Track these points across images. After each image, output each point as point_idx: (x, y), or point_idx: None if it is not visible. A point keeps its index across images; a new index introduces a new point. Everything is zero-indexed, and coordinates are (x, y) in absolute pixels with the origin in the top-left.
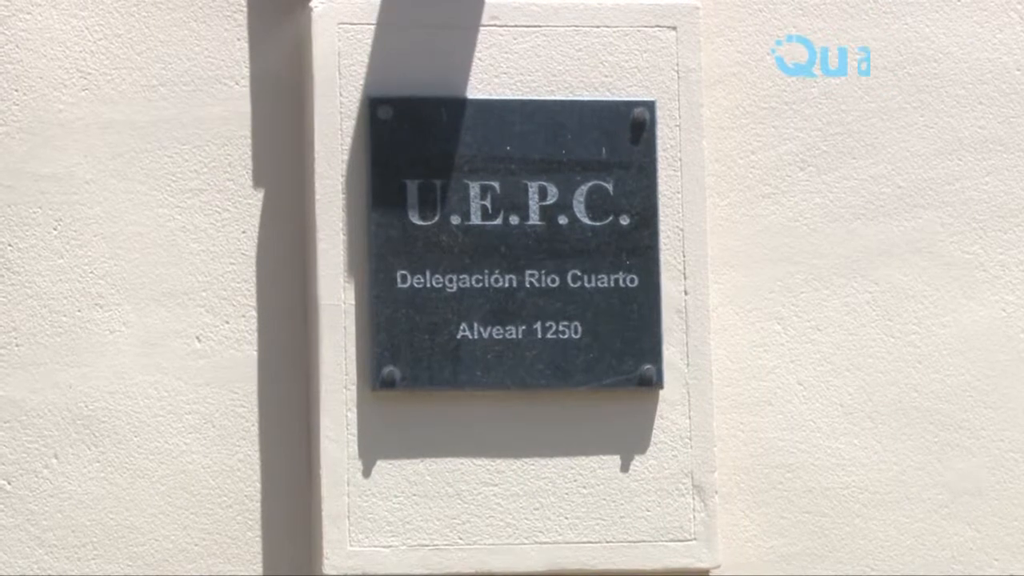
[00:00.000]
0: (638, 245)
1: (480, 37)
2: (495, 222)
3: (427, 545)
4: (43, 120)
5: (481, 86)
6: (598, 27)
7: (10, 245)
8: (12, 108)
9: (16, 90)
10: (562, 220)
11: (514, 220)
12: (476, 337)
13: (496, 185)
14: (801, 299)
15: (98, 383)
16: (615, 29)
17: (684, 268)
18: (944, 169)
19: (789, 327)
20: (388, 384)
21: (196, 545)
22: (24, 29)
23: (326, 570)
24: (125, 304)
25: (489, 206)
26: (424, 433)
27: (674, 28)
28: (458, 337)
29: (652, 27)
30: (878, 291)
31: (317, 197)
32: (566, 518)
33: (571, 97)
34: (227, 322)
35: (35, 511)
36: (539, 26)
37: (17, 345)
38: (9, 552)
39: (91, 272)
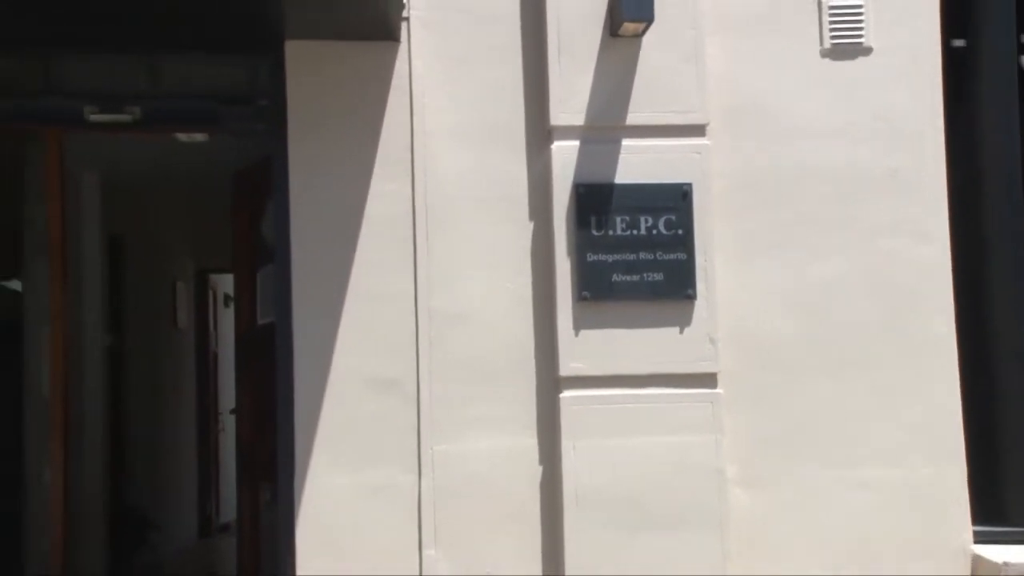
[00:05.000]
0: (685, 242)
1: (620, 157)
2: (627, 232)
3: (602, 363)
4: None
5: (620, 176)
6: (668, 150)
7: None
8: None
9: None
10: (654, 231)
11: (634, 232)
12: (620, 280)
13: (627, 217)
14: (755, 263)
15: (465, 299)
16: (676, 152)
17: (705, 250)
18: (789, 215)
19: (745, 275)
20: (584, 299)
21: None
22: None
23: (561, 372)
24: (484, 277)
25: (624, 225)
26: (599, 318)
27: (699, 153)
28: (612, 280)
29: (690, 151)
30: (779, 259)
31: (554, 224)
32: (653, 347)
33: (656, 181)
34: (520, 276)
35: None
36: (644, 152)
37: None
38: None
39: (464, 261)
